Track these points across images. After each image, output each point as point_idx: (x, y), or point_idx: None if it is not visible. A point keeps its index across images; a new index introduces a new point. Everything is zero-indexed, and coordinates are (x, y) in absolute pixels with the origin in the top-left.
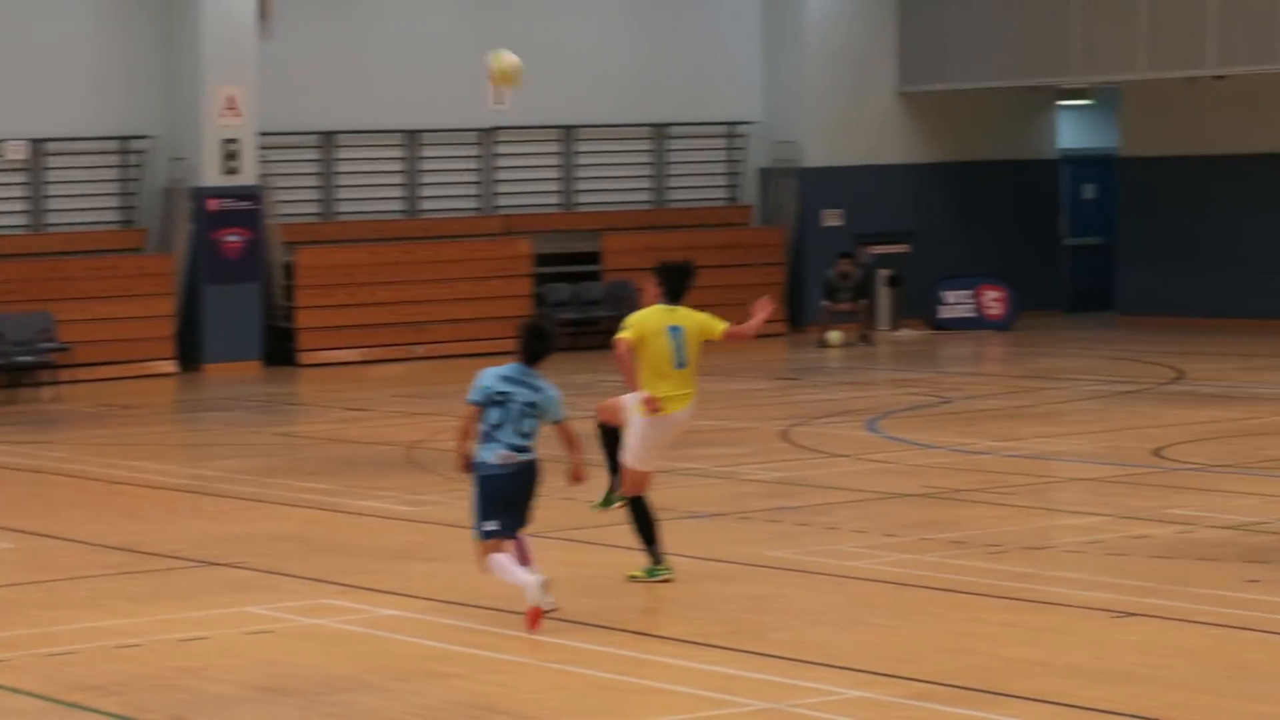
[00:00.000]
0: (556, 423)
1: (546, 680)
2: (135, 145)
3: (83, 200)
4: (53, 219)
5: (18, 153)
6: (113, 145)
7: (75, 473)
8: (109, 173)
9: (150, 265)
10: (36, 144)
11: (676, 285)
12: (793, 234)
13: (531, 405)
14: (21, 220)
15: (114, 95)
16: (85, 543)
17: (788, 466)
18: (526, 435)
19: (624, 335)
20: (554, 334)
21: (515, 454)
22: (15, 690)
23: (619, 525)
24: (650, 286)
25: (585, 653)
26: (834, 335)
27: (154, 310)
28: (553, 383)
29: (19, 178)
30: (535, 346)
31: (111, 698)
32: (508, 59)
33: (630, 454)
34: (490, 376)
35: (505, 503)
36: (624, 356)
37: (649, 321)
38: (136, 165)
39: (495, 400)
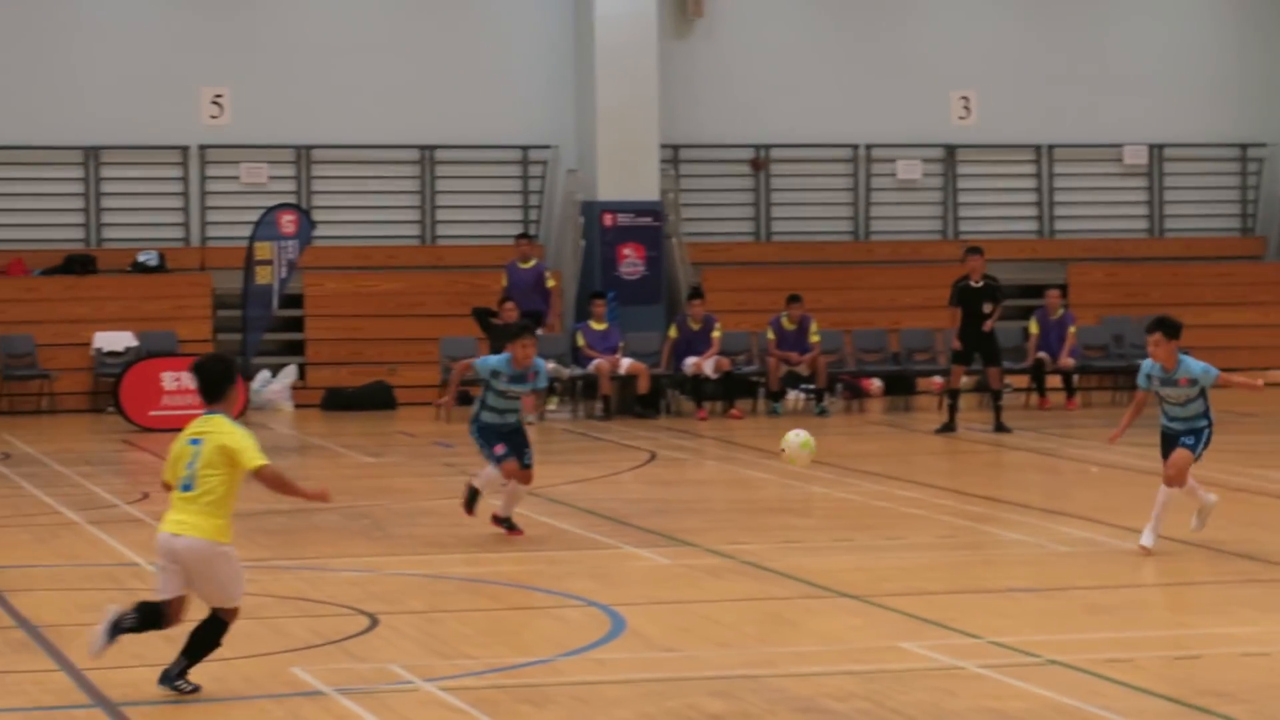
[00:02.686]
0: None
1: None
2: (1253, 154)
3: (1200, 206)
4: (1171, 224)
5: (1137, 158)
6: (1231, 153)
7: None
8: (1227, 180)
9: (1270, 274)
10: (1155, 149)
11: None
12: None
13: None
14: (1141, 225)
15: (1231, 102)
16: (1205, 547)
17: None
18: None
19: None
20: None
21: None
22: (1142, 690)
23: None
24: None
25: None
26: None
27: (1273, 319)
28: None
29: (1138, 183)
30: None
31: (1238, 705)
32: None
33: None
34: None
35: None
36: None
37: None
38: (1254, 173)
39: None
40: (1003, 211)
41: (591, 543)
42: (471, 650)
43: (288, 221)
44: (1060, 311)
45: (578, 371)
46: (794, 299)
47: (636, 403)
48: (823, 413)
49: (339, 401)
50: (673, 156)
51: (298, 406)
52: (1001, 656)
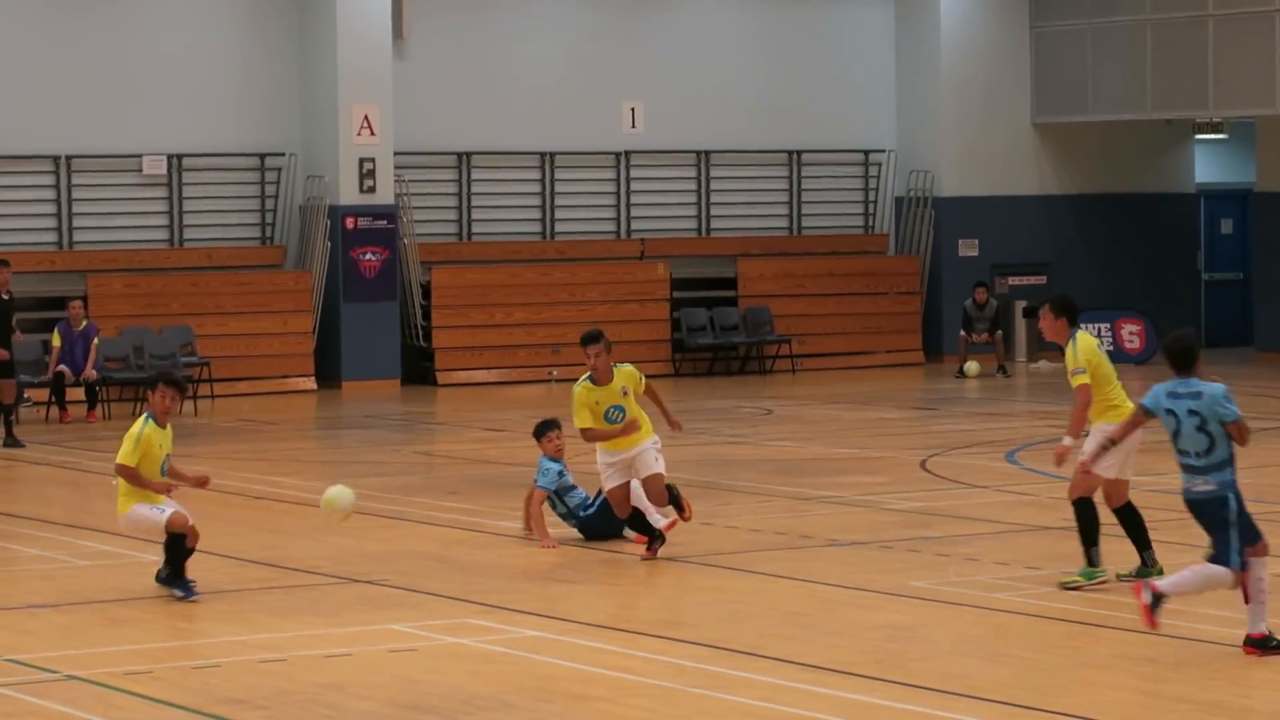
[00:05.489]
0: (1229, 423)
1: (690, 705)
2: (272, 162)
3: (221, 216)
4: (191, 234)
5: (156, 168)
6: (251, 162)
7: (216, 487)
8: (247, 189)
9: (288, 282)
10: (175, 159)
11: (1074, 313)
12: (928, 263)
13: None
14: (161, 235)
15: (252, 112)
16: (227, 556)
17: (927, 496)
18: (1197, 455)
19: (1085, 380)
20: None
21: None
22: (161, 701)
23: (761, 551)
24: (1049, 318)
25: (728, 679)
26: (971, 366)
27: (292, 327)
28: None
29: (158, 193)
30: (1184, 357)
31: (257, 712)
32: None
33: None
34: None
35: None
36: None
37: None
38: (274, 182)
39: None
40: (25, 224)
41: None
42: None
43: None
44: (84, 323)
45: None
46: None
47: None
48: None
49: None
50: None
51: None
52: (19, 674)
